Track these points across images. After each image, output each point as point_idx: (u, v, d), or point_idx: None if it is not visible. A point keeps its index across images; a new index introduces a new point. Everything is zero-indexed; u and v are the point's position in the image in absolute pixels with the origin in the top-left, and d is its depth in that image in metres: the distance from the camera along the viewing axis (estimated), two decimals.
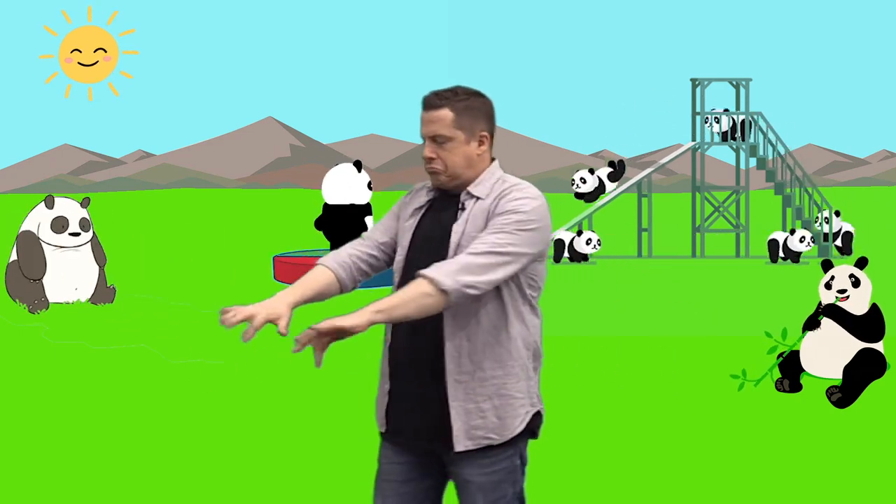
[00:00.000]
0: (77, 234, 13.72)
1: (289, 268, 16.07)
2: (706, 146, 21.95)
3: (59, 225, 13.63)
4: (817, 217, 21.34)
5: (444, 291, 3.29)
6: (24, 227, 13.78)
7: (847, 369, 8.33)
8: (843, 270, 8.50)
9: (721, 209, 22.02)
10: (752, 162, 22.32)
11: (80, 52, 19.15)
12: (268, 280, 16.68)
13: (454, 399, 3.43)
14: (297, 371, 9.64)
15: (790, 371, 8.69)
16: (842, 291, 8.45)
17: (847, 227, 21.33)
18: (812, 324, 8.60)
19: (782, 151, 22.07)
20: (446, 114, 3.47)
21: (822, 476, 6.52)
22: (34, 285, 13.48)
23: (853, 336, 8.46)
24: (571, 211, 22.52)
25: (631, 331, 11.46)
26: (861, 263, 8.52)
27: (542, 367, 3.65)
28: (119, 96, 19.23)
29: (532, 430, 3.55)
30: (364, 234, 3.65)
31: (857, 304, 8.48)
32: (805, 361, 8.66)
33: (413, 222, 3.55)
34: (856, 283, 8.45)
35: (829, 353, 8.52)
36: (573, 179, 21.31)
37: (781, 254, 19.93)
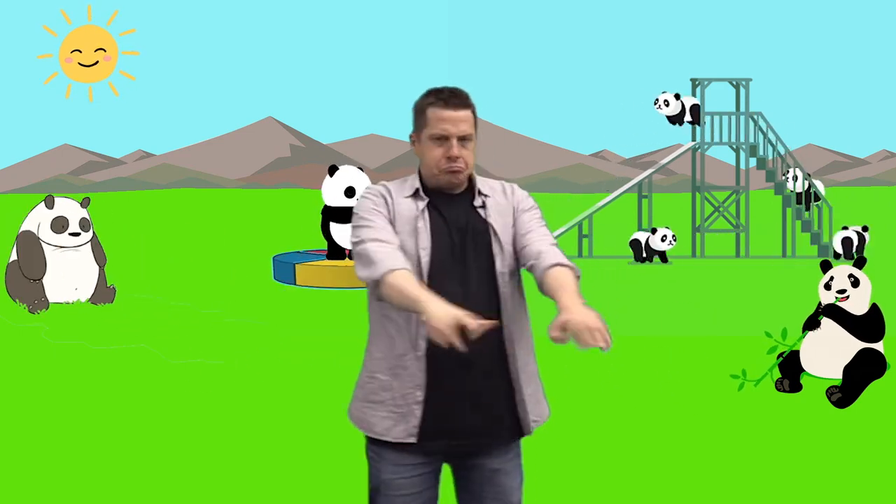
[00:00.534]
0: (77, 234, 13.72)
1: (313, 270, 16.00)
2: (706, 146, 21.95)
3: (59, 225, 13.64)
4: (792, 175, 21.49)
5: (577, 277, 3.48)
6: (24, 227, 13.78)
7: (847, 369, 8.33)
8: (842, 271, 8.51)
9: (721, 209, 22.02)
10: (752, 162, 22.33)
11: (81, 52, 19.15)
12: (268, 280, 16.69)
13: (523, 387, 3.56)
14: (297, 371, 9.65)
15: (790, 371, 8.69)
16: (841, 291, 8.46)
17: (848, 233, 21.27)
18: (812, 324, 8.60)
19: (782, 151, 22.07)
20: (469, 114, 3.53)
21: (822, 476, 6.52)
22: (34, 285, 13.48)
23: (853, 336, 8.47)
24: (572, 211, 22.52)
25: (631, 331, 11.45)
26: (860, 263, 8.53)
27: (542, 367, 3.74)
28: (119, 96, 19.24)
29: None
30: (375, 237, 3.46)
31: (857, 304, 8.48)
32: (805, 361, 8.67)
33: (424, 224, 3.51)
34: (855, 283, 8.45)
35: (829, 353, 8.53)
36: (657, 99, 21.25)
37: (644, 253, 20.06)
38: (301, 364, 9.92)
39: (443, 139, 3.50)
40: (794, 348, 8.69)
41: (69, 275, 13.72)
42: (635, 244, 20.20)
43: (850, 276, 8.46)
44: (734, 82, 22.07)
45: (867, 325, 8.45)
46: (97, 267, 13.99)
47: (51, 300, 13.55)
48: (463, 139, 3.50)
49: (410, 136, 3.62)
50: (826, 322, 8.55)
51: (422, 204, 3.54)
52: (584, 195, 35.58)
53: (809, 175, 21.52)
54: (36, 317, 12.97)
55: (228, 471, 6.64)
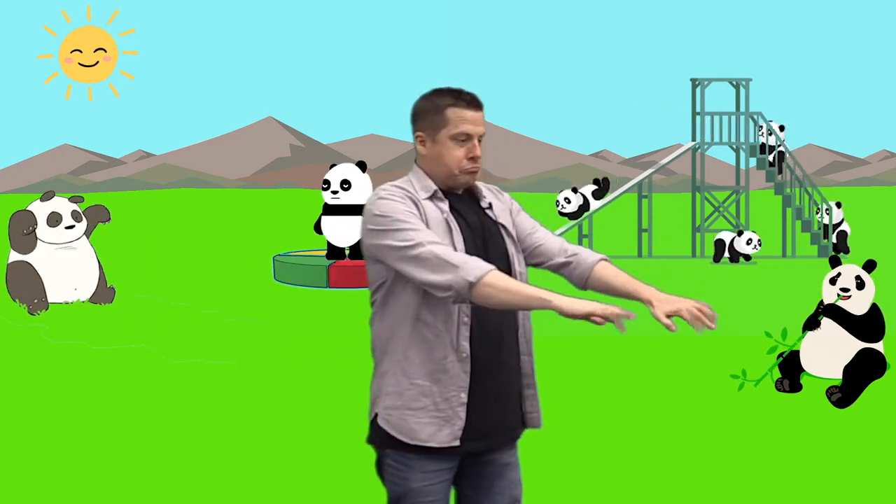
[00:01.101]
0: (72, 227, 13.74)
1: (346, 271, 15.80)
2: (706, 146, 21.95)
3: (54, 220, 13.67)
4: (817, 209, 21.41)
5: None
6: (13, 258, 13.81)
7: (847, 369, 8.33)
8: (850, 270, 8.50)
9: (721, 209, 22.01)
10: (752, 162, 22.33)
11: (81, 52, 19.16)
12: (268, 280, 16.69)
13: (534, 382, 3.65)
14: (297, 371, 9.64)
15: (790, 371, 8.69)
16: (844, 290, 8.45)
17: (844, 226, 21.38)
18: (812, 324, 8.60)
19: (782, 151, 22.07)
20: (483, 115, 3.58)
21: (822, 476, 6.52)
22: (34, 285, 13.47)
23: (853, 336, 8.46)
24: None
25: (631, 331, 11.41)
26: (869, 266, 8.51)
27: (541, 368, 3.77)
28: (119, 96, 19.25)
29: None
30: (433, 238, 3.38)
31: (858, 306, 8.48)
32: (805, 361, 8.66)
33: (455, 224, 3.50)
34: (860, 285, 8.44)
35: (829, 353, 8.52)
36: (557, 200, 21.27)
37: (727, 254, 20.01)
38: (301, 364, 9.92)
39: (466, 139, 3.50)
40: (794, 348, 8.68)
41: (69, 274, 13.72)
42: (719, 244, 20.12)
43: (857, 277, 8.45)
44: (734, 82, 22.07)
45: (867, 325, 8.45)
46: (97, 266, 13.99)
47: (51, 300, 13.55)
48: (480, 139, 3.56)
49: (417, 136, 3.56)
50: (826, 322, 8.55)
51: (444, 205, 3.51)
52: None
53: (840, 204, 21.53)
54: (36, 317, 12.97)
55: (228, 471, 6.64)
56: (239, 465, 6.77)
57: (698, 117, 21.89)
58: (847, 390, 8.23)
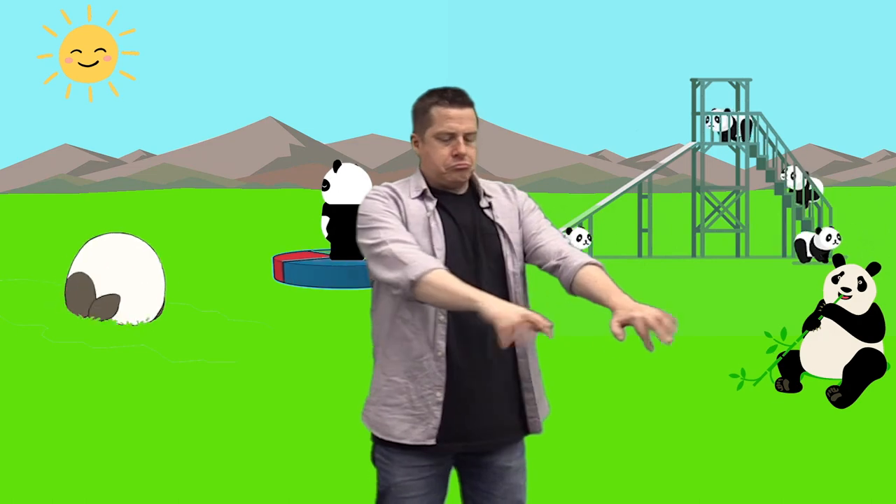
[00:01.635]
0: None
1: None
2: (706, 146, 21.95)
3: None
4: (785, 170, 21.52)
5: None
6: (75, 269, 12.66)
7: (847, 369, 8.33)
8: (853, 270, 8.50)
9: (721, 209, 22.02)
10: (752, 162, 22.33)
11: (81, 52, 19.16)
12: (268, 280, 16.69)
13: (533, 387, 3.59)
14: (298, 371, 9.65)
15: (790, 371, 8.69)
16: (846, 290, 8.45)
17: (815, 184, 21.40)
18: (812, 323, 8.60)
19: (782, 151, 22.08)
20: (472, 112, 3.56)
21: (821, 476, 6.53)
22: (107, 300, 12.40)
23: (853, 336, 8.47)
24: (572, 211, 22.53)
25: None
26: (873, 269, 8.51)
27: (543, 367, 3.75)
28: (119, 96, 19.25)
29: None
30: (397, 237, 3.43)
31: (858, 306, 8.49)
32: (805, 361, 8.67)
33: (436, 224, 3.51)
34: (862, 286, 8.45)
35: (829, 353, 8.53)
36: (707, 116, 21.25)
37: (809, 253, 19.91)
38: (302, 364, 9.92)
39: (450, 137, 3.51)
40: (793, 348, 8.69)
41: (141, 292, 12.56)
42: (800, 244, 20.02)
43: (860, 278, 8.46)
44: (734, 82, 22.07)
45: (867, 325, 8.45)
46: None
47: (125, 319, 12.40)
48: (468, 137, 3.53)
49: (412, 137, 3.61)
50: (826, 322, 8.55)
51: (431, 204, 3.54)
52: (584, 195, 35.61)
53: (808, 173, 21.57)
54: (36, 317, 12.96)
55: (229, 471, 6.64)
56: (239, 465, 6.77)
57: (698, 117, 21.90)
58: (847, 390, 8.24)
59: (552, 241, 3.61)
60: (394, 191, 3.56)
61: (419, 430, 3.48)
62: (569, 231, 20.06)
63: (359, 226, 3.52)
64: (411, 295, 3.35)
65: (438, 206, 3.55)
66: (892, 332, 9.32)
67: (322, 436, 7.43)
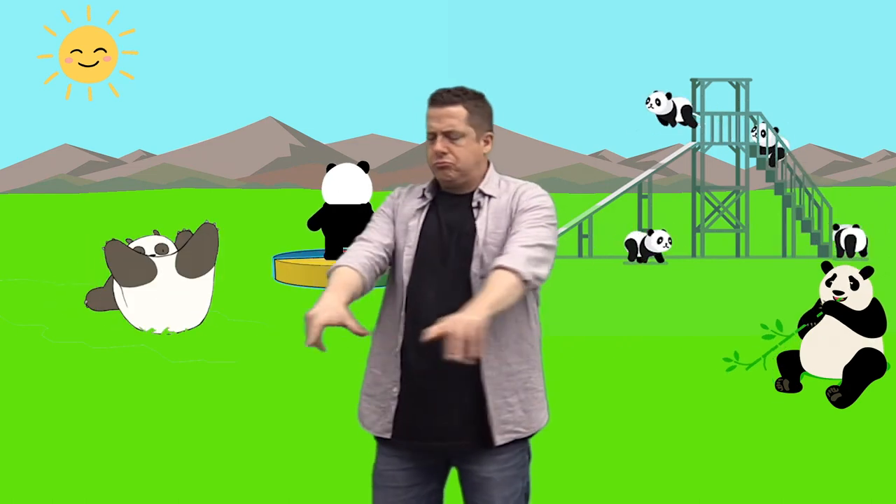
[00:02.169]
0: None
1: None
2: (706, 146, 21.95)
3: (160, 250, 12.48)
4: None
5: (525, 282, 3.35)
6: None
7: (847, 369, 8.34)
8: (844, 271, 8.51)
9: (721, 209, 22.02)
10: (753, 162, 22.33)
11: (81, 52, 19.16)
12: (268, 280, 16.69)
13: (489, 395, 3.47)
14: (298, 371, 9.65)
15: (790, 371, 8.70)
16: (838, 293, 8.47)
17: (852, 230, 21.08)
18: (810, 318, 8.62)
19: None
20: (461, 110, 3.52)
21: (821, 476, 6.53)
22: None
23: (854, 332, 8.47)
24: (572, 211, 22.53)
25: (631, 331, 11.45)
26: (866, 273, 8.51)
27: (542, 368, 3.71)
28: (119, 96, 19.25)
29: None
30: (362, 236, 3.59)
31: (857, 303, 8.49)
32: (805, 361, 8.67)
33: (417, 222, 3.54)
34: (854, 286, 8.45)
35: (830, 352, 8.53)
36: (648, 98, 21.24)
37: (639, 254, 20.06)
38: (302, 364, 9.92)
39: (433, 137, 3.52)
40: (788, 338, 8.72)
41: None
42: (630, 244, 20.19)
43: (851, 278, 8.46)
44: (734, 82, 22.07)
45: (868, 320, 8.46)
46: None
47: (164, 328, 11.97)
48: (449, 134, 3.50)
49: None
50: (826, 322, 8.55)
51: (421, 203, 3.57)
52: (584, 195, 35.60)
53: (778, 129, 21.63)
54: (36, 317, 12.96)
55: (229, 471, 6.64)
56: (240, 464, 6.77)
57: (698, 117, 21.90)
58: (847, 390, 8.24)
59: (512, 242, 3.44)
60: (406, 189, 3.65)
61: (381, 422, 3.55)
62: (650, 233, 20.03)
63: None
64: None
65: (432, 205, 3.57)
66: (893, 331, 9.32)
67: (322, 436, 7.43)
